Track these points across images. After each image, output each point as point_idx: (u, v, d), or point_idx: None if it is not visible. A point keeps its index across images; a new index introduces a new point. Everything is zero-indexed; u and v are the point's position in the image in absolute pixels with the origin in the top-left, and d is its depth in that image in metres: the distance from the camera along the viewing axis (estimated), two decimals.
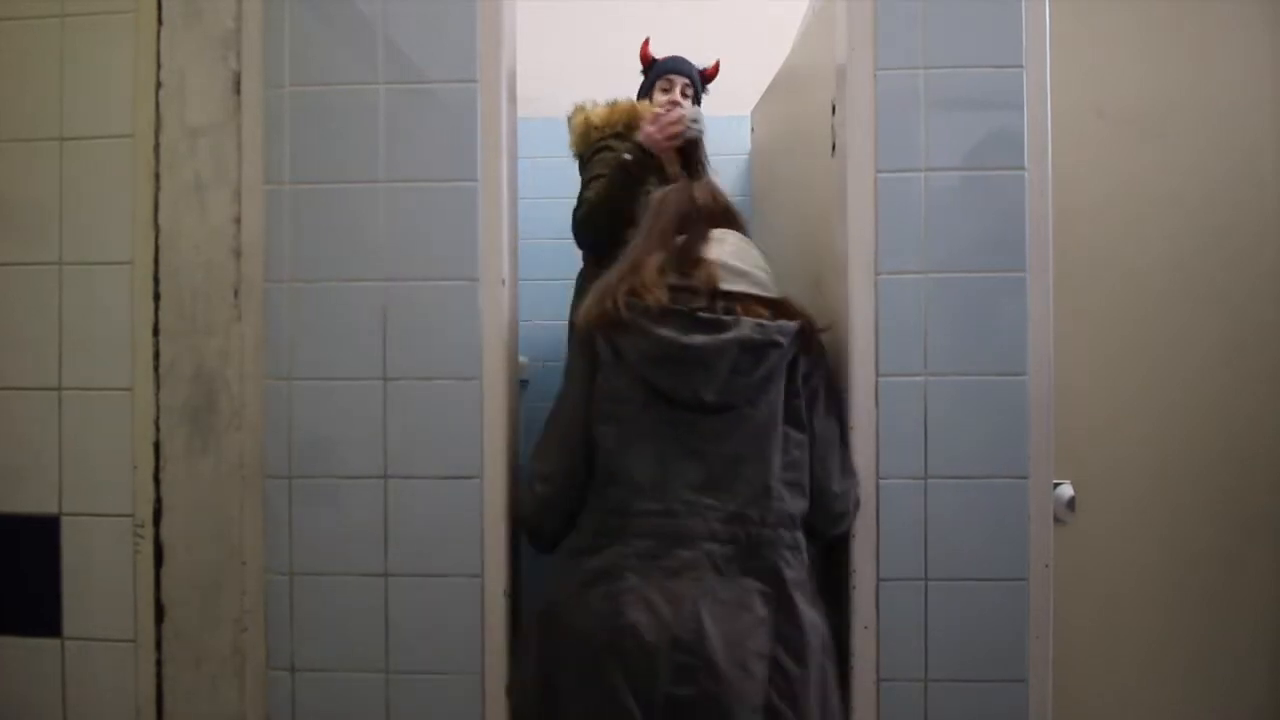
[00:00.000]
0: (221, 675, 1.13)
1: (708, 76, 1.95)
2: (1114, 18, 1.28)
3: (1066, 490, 1.21)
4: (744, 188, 2.41)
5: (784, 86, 1.73)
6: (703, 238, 1.12)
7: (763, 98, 1.94)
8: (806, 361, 1.07)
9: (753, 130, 2.12)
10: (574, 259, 2.08)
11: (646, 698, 0.94)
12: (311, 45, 1.12)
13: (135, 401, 1.13)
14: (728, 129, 2.35)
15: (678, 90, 1.85)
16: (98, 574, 1.13)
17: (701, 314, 1.04)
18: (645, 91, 1.93)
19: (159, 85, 1.14)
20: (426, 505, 1.10)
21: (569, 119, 1.93)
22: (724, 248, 1.11)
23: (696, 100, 1.89)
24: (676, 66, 1.89)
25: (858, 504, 1.10)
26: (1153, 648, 1.28)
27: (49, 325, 1.14)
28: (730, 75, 2.28)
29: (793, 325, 1.05)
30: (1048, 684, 1.09)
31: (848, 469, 1.09)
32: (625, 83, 2.13)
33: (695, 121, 1.63)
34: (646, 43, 1.93)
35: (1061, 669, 1.10)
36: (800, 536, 1.04)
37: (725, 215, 1.19)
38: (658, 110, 1.75)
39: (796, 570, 1.02)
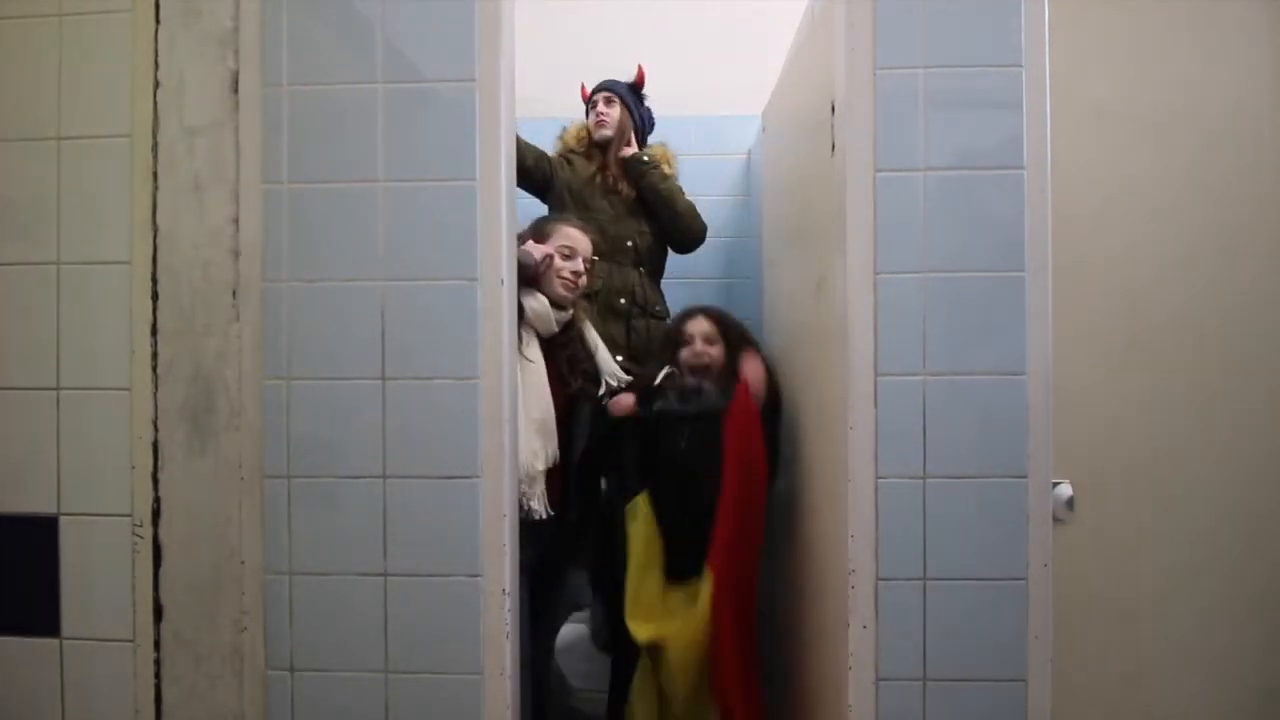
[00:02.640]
0: (220, 675, 1.13)
1: (637, 84, 2.18)
2: (1113, 18, 1.28)
3: (1065, 490, 1.21)
4: (744, 187, 2.41)
5: (787, 86, 1.73)
6: None
7: (771, 97, 1.94)
8: None
9: (764, 130, 2.12)
10: None
11: None
12: (310, 44, 1.12)
13: (133, 401, 1.13)
14: (728, 129, 2.36)
15: (600, 103, 2.16)
16: (96, 574, 1.13)
17: None
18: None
19: (157, 85, 1.13)
20: (425, 505, 1.10)
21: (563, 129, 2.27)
22: None
23: (628, 104, 2.14)
24: (600, 85, 2.19)
25: None
26: (1152, 647, 1.28)
27: (47, 325, 1.13)
28: (729, 76, 2.28)
29: None
30: (1047, 683, 1.09)
31: None
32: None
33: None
34: (583, 87, 2.24)
35: (1060, 668, 1.09)
36: None
37: None
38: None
39: None
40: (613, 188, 2.10)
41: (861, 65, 1.11)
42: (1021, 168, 1.10)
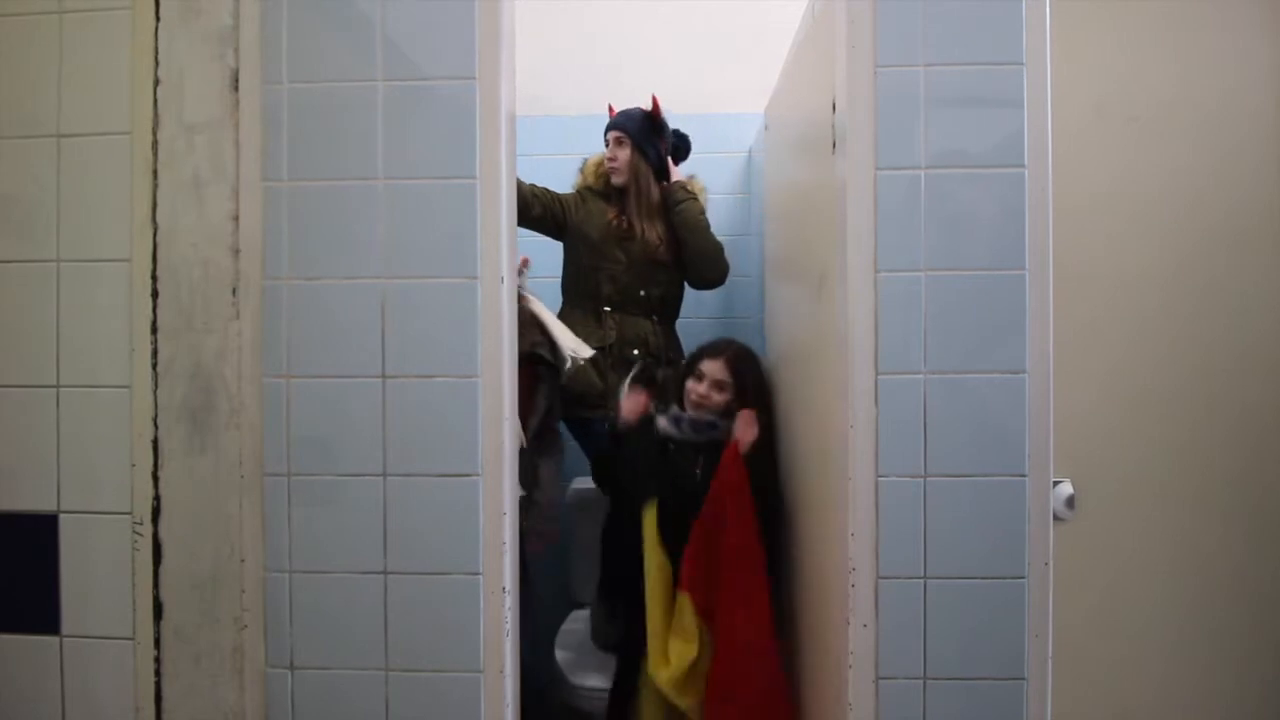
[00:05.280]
0: (220, 673, 1.13)
1: (653, 115, 2.07)
2: (1114, 16, 1.28)
3: (1066, 488, 1.21)
4: (744, 185, 2.41)
5: (787, 84, 1.73)
6: None
7: (772, 96, 1.94)
8: None
9: (764, 128, 2.12)
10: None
11: None
12: (310, 42, 1.11)
13: (133, 399, 1.13)
14: (728, 127, 2.36)
15: (611, 143, 2.06)
16: (96, 572, 1.13)
17: None
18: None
19: (157, 82, 1.13)
20: (425, 503, 1.10)
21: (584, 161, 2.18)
22: None
23: (639, 141, 2.03)
24: (611, 123, 2.08)
25: None
26: (1153, 646, 1.28)
27: (46, 323, 1.13)
28: (729, 74, 2.28)
29: None
30: (1047, 682, 1.09)
31: None
32: (624, 81, 2.14)
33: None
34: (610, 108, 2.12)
35: (1061, 667, 1.10)
36: None
37: None
38: None
39: None
40: (627, 234, 2.02)
41: (862, 63, 1.10)
42: (1022, 166, 1.09)
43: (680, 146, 2.14)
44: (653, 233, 2.02)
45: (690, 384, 1.71)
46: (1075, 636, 1.17)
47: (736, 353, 1.73)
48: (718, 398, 1.68)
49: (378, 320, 1.10)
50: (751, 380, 1.69)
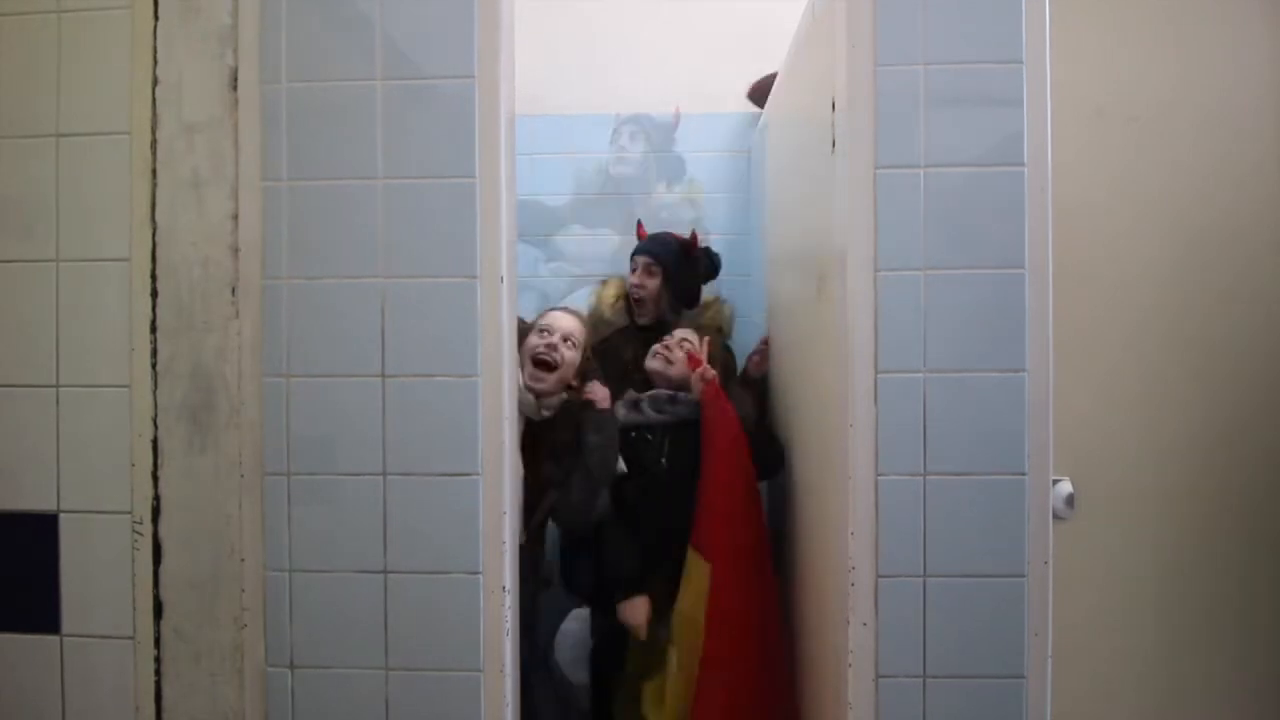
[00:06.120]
0: (220, 672, 1.13)
1: (688, 247, 1.94)
2: (1114, 16, 1.28)
3: (1066, 487, 1.21)
4: (744, 184, 2.41)
5: (787, 83, 1.73)
6: None
7: (771, 95, 1.94)
8: None
9: (764, 127, 2.12)
10: None
11: None
12: (309, 41, 1.11)
13: (133, 399, 1.13)
14: (728, 127, 2.36)
15: (640, 269, 1.91)
16: (96, 571, 1.13)
17: None
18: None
19: (156, 82, 1.13)
20: (425, 502, 1.10)
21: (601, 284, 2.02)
22: None
23: (670, 273, 1.90)
24: (641, 248, 1.94)
25: None
26: (1152, 644, 1.28)
27: (46, 322, 1.13)
28: (729, 73, 2.28)
29: None
30: (1046, 681, 1.09)
31: None
32: (624, 81, 2.14)
33: None
34: (639, 225, 2.03)
35: (1060, 666, 1.10)
36: None
37: None
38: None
39: None
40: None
41: (862, 62, 1.10)
42: (1022, 165, 1.09)
43: (712, 269, 2.00)
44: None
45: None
46: (1075, 635, 1.17)
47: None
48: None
49: (378, 320, 1.10)
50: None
